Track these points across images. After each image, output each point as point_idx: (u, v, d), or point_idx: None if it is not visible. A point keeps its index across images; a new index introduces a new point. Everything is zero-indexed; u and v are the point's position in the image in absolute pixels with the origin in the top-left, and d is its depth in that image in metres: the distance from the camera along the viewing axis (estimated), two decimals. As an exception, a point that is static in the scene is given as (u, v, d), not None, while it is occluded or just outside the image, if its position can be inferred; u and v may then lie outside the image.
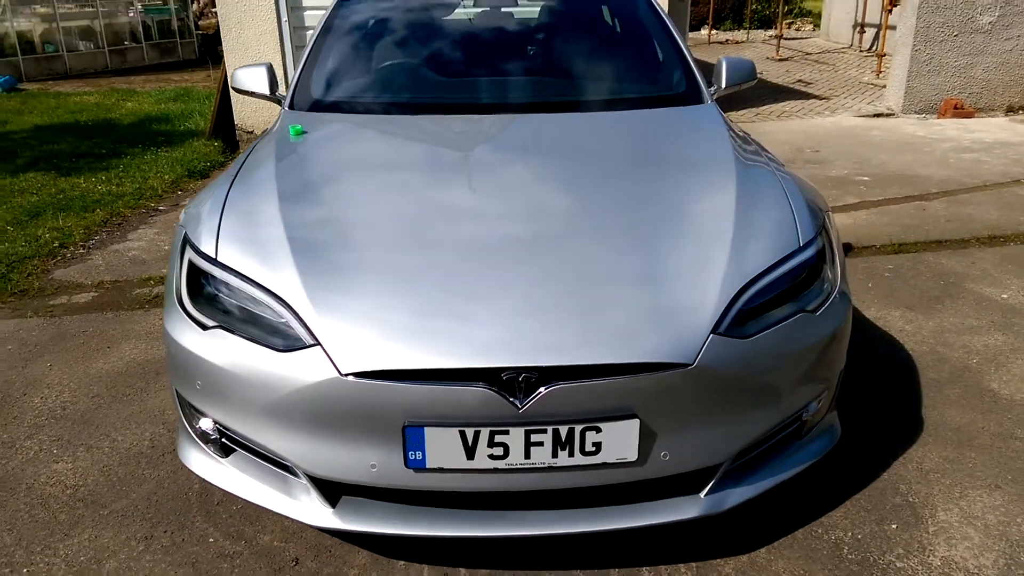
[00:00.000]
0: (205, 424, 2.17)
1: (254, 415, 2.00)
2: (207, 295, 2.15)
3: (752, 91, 10.21)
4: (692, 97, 3.26)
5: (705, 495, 2.09)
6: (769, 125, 8.23)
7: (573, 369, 1.86)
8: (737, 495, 2.12)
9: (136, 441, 2.75)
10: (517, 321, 1.93)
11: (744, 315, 2.03)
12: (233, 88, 3.46)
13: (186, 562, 2.21)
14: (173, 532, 2.32)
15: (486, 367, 1.85)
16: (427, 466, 1.91)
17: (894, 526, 2.36)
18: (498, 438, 1.88)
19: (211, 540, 2.29)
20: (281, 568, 2.19)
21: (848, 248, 4.53)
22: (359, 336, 1.91)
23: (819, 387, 2.23)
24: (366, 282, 2.05)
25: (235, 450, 2.18)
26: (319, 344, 1.92)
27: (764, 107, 9.30)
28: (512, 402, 1.85)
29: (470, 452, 1.89)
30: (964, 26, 8.84)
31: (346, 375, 1.87)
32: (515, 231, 2.23)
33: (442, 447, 1.89)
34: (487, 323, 1.92)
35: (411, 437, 1.88)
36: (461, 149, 2.87)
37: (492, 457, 1.90)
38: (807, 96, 9.94)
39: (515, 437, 1.88)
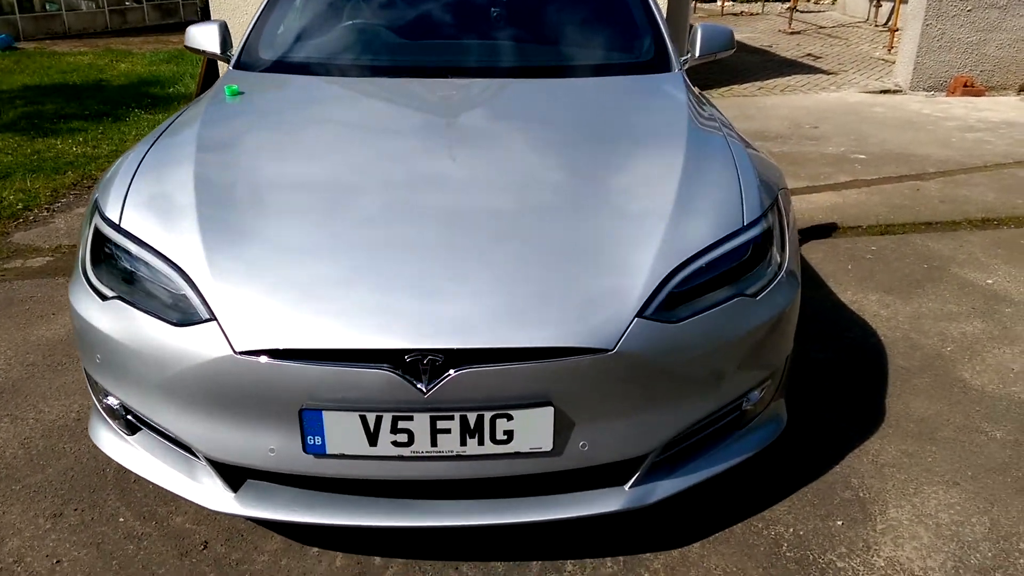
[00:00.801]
0: (112, 400, 2.06)
1: (151, 392, 1.89)
2: (109, 264, 2.03)
3: (758, 64, 9.98)
4: (659, 65, 3.09)
5: (630, 487, 1.97)
6: (771, 99, 8.01)
7: (482, 352, 1.74)
8: (665, 487, 2.00)
9: (62, 413, 2.65)
10: (424, 300, 1.80)
11: (675, 298, 1.90)
12: (185, 46, 3.32)
13: (92, 542, 2.12)
14: (83, 510, 2.23)
15: (387, 348, 1.73)
16: (327, 452, 1.79)
17: (840, 523, 2.24)
18: (401, 424, 1.76)
19: (121, 520, 2.20)
20: (188, 552, 2.09)
21: (833, 228, 4.37)
22: (256, 312, 1.79)
23: (760, 375, 2.10)
24: (273, 255, 1.92)
25: (140, 428, 2.07)
26: (215, 319, 1.80)
27: (769, 81, 9.06)
28: (416, 386, 1.73)
29: (372, 438, 1.77)
30: (979, 0, 8.54)
31: (240, 353, 1.75)
32: (438, 203, 2.09)
33: (342, 433, 1.77)
34: (391, 301, 1.80)
35: (309, 421, 1.76)
36: (400, 115, 2.73)
37: (396, 444, 1.78)
38: (814, 71, 9.68)
39: (420, 423, 1.76)
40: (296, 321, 1.77)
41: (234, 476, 1.95)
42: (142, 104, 6.94)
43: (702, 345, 1.90)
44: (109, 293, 1.96)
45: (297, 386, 1.74)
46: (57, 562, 2.05)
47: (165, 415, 1.90)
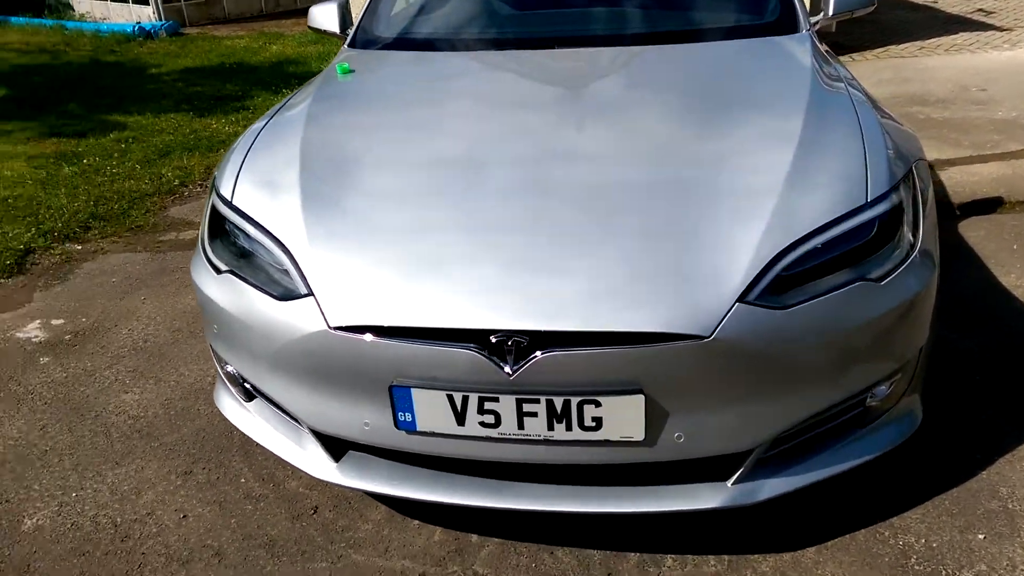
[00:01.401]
0: (230, 368, 2.17)
1: (259, 363, 1.97)
2: (223, 239, 2.13)
3: (920, 22, 9.10)
4: (786, 25, 2.86)
5: (733, 483, 1.86)
6: (933, 60, 7.27)
7: (568, 335, 1.68)
8: (773, 487, 1.87)
9: (199, 377, 2.84)
10: (513, 279, 1.76)
11: (785, 281, 1.75)
12: (308, 26, 3.43)
13: (215, 500, 2.25)
14: (210, 470, 2.38)
15: (473, 328, 1.70)
16: (417, 429, 1.80)
17: (981, 536, 2.01)
18: (488, 405, 1.73)
19: (242, 481, 2.32)
20: (300, 515, 2.18)
21: (998, 203, 3.91)
22: (351, 289, 1.82)
23: (888, 367, 1.90)
24: (371, 232, 1.94)
25: (256, 396, 2.17)
26: (312, 295, 1.84)
27: (931, 40, 8.22)
28: (501, 368, 1.69)
29: (460, 418, 1.76)
30: None
31: (334, 328, 1.79)
32: (539, 178, 2.03)
33: (431, 410, 1.77)
34: (481, 280, 1.77)
35: (399, 398, 1.78)
36: (517, 90, 2.68)
37: (483, 425, 1.76)
38: (985, 27, 8.70)
39: (506, 405, 1.73)
40: (387, 298, 1.78)
41: (337, 446, 2.01)
42: (289, 84, 7.28)
43: (814, 334, 1.74)
44: (223, 267, 2.06)
45: (387, 363, 1.76)
46: (184, 517, 2.20)
47: (272, 386, 1.97)
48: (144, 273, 3.72)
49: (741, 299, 1.70)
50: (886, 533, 2.04)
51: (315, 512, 2.20)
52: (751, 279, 1.72)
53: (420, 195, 2.04)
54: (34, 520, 2.20)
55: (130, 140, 5.72)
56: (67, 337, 3.17)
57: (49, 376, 2.90)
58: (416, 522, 2.14)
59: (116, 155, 5.37)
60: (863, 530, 2.05)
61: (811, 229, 1.79)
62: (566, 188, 1.99)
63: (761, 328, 1.69)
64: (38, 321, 3.30)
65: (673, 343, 1.66)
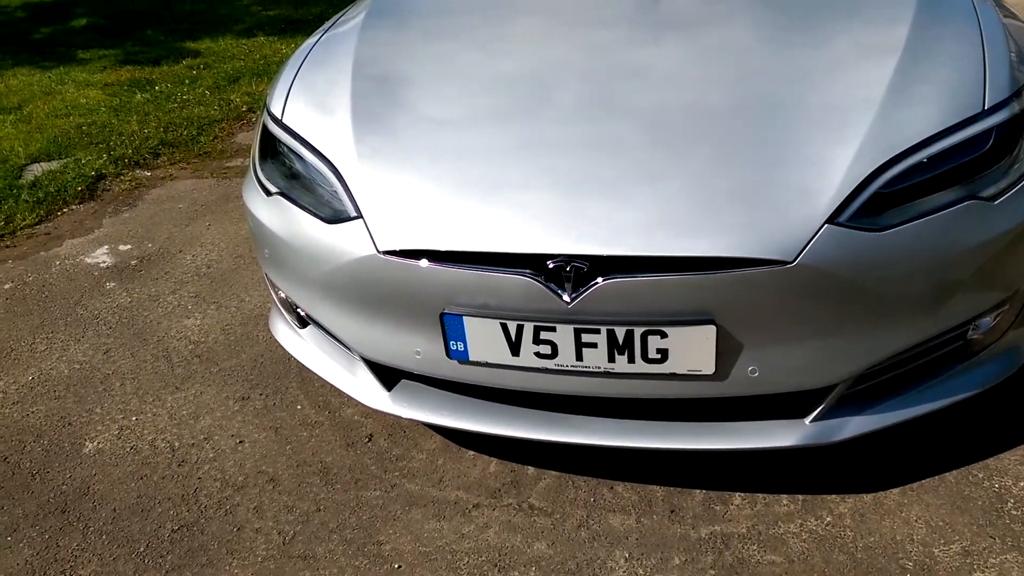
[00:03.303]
0: (284, 294, 2.11)
1: (309, 288, 1.90)
2: (274, 160, 2.04)
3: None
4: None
5: (812, 421, 1.71)
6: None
7: (633, 260, 1.54)
8: (857, 424, 1.71)
9: (260, 303, 2.81)
10: (573, 202, 1.62)
11: (883, 200, 1.56)
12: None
13: (271, 426, 2.23)
14: (267, 396, 2.35)
15: (529, 253, 1.58)
16: (470, 359, 1.71)
17: (1091, 482, 1.82)
18: (544, 335, 1.62)
19: (298, 407, 2.29)
20: (354, 443, 2.14)
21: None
22: (401, 212, 1.71)
23: (995, 297, 1.70)
24: (425, 153, 1.81)
25: (309, 323, 2.11)
26: (361, 217, 1.74)
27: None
28: (559, 295, 1.57)
29: (514, 348, 1.65)
30: None
31: (383, 253, 1.69)
32: (606, 97, 1.86)
33: (484, 340, 1.67)
34: (538, 203, 1.63)
35: (450, 326, 1.68)
36: (586, 2, 2.46)
37: (539, 355, 1.65)
38: None
39: (563, 335, 1.61)
40: (439, 222, 1.67)
41: (389, 375, 1.94)
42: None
43: (915, 260, 1.56)
44: (273, 189, 1.97)
45: (438, 290, 1.65)
46: (240, 442, 2.18)
47: (323, 312, 1.90)
48: (210, 199, 3.70)
49: (831, 220, 1.52)
50: (980, 475, 1.87)
51: (369, 440, 2.15)
52: (843, 197, 1.53)
53: (477, 115, 1.89)
54: (95, 443, 2.22)
55: (201, 67, 5.69)
56: (133, 262, 3.18)
57: (114, 301, 2.91)
58: (471, 453, 2.07)
59: (187, 81, 5.35)
60: (954, 471, 1.89)
61: (917, 141, 1.59)
62: (636, 109, 1.81)
63: (853, 253, 1.51)
64: (106, 247, 3.33)
65: (750, 269, 1.50)
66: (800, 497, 1.86)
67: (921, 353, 1.71)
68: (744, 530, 1.79)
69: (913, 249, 1.55)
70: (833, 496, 1.85)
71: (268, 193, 1.98)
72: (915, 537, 1.74)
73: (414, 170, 1.78)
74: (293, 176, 1.96)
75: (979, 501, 1.81)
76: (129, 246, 3.32)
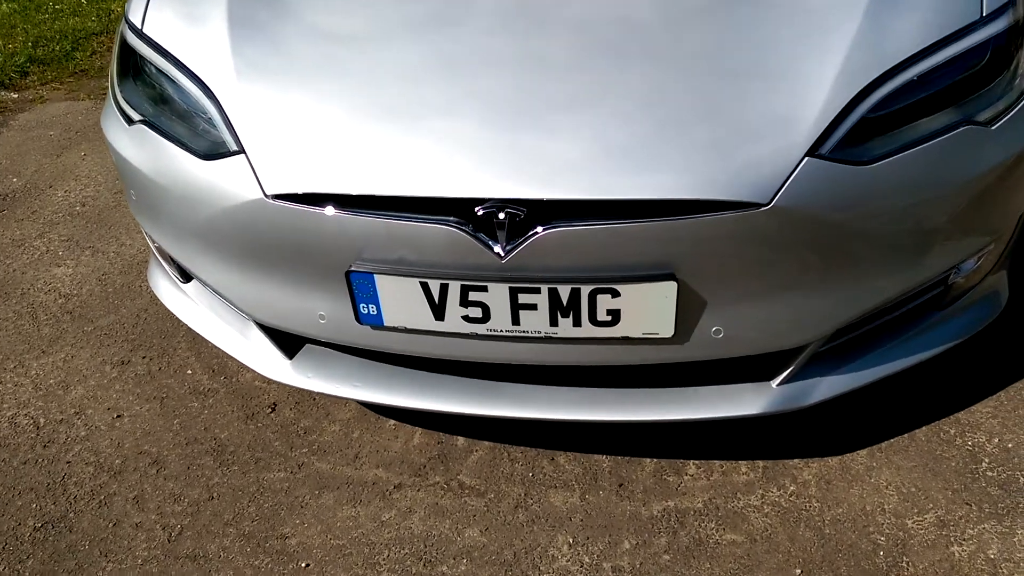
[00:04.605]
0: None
1: (185, 238, 1.56)
2: (138, 80, 1.66)
3: None
4: None
5: (779, 384, 1.50)
6: None
7: (578, 205, 1.26)
8: (829, 386, 1.51)
9: (144, 247, 2.44)
10: (504, 133, 1.32)
11: (869, 126, 1.31)
12: None
13: (156, 396, 1.91)
14: (151, 359, 2.02)
15: (451, 197, 1.28)
16: (385, 324, 1.42)
17: (1067, 435, 1.68)
18: (473, 296, 1.34)
19: (188, 372, 1.97)
20: (254, 415, 1.85)
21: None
22: (293, 145, 1.38)
23: (983, 239, 1.50)
24: (321, 71, 1.47)
25: (194, 276, 1.78)
26: (243, 152, 1.41)
27: None
28: (491, 248, 1.29)
29: (438, 311, 1.37)
30: None
31: (272, 197, 1.37)
32: (539, 3, 1.54)
33: (401, 302, 1.38)
34: (461, 135, 1.33)
35: (359, 286, 1.38)
36: None
37: (468, 320, 1.38)
38: None
39: (496, 296, 1.33)
40: (339, 159, 1.35)
41: (290, 340, 1.64)
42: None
43: (905, 196, 1.33)
44: (135, 116, 1.61)
45: (341, 242, 1.35)
46: (118, 416, 1.86)
47: (203, 267, 1.58)
48: (86, 125, 3.23)
49: (812, 152, 1.27)
50: (951, 431, 1.71)
51: (273, 411, 1.86)
52: (826, 124, 1.28)
53: (383, 27, 1.54)
54: (-62, 424, 1.87)
55: (75, -29, 5.03)
56: (-6, 200, 2.74)
57: (-30, 247, 2.49)
58: (391, 423, 1.80)
59: (59, -12, 4.72)
60: (924, 428, 1.73)
61: (909, 54, 1.33)
62: (579, 18, 1.50)
63: (836, 190, 1.27)
64: (-39, 182, 2.86)
65: (717, 213, 1.25)
66: (760, 463, 1.67)
67: (899, 303, 1.51)
68: (700, 505, 1.59)
69: (903, 184, 1.32)
70: (796, 461, 1.67)
71: (130, 121, 1.62)
72: (886, 507, 1.57)
73: (308, 92, 1.44)
74: (160, 100, 1.59)
75: (952, 462, 1.65)
76: (-11, 181, 2.87)
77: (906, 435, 1.71)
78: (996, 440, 1.69)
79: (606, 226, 1.26)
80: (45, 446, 1.79)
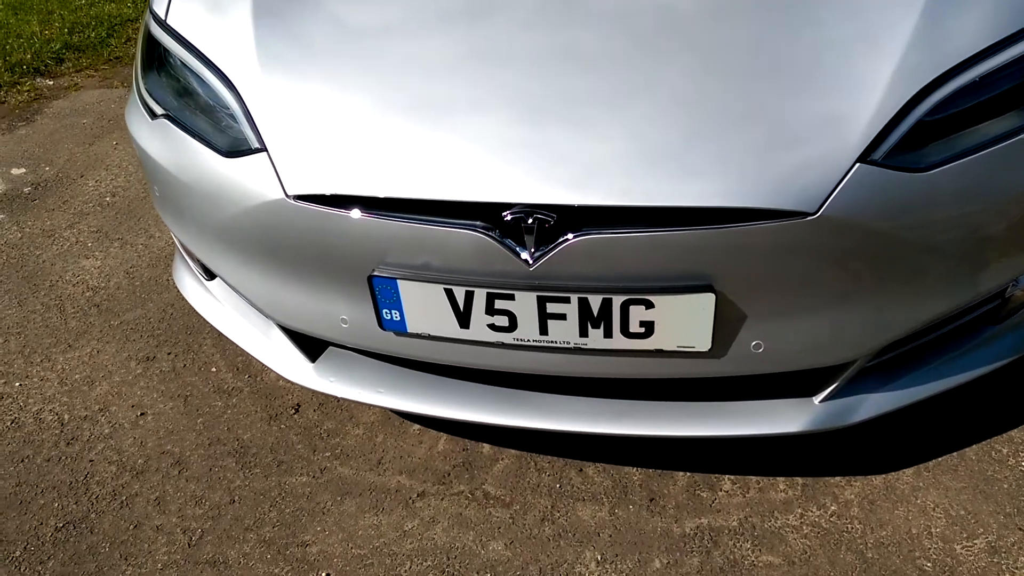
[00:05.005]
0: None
1: (207, 238, 1.53)
2: (162, 73, 1.62)
3: None
4: None
5: (821, 401, 1.42)
6: None
7: (611, 211, 1.20)
8: (876, 403, 1.43)
9: (171, 241, 2.42)
10: (535, 134, 1.25)
11: (926, 130, 1.22)
12: None
13: (180, 394, 1.89)
14: (176, 356, 2.00)
15: (478, 201, 1.22)
16: (408, 330, 1.37)
17: None
18: (499, 304, 1.28)
19: (213, 370, 1.95)
20: (277, 415, 1.81)
21: None
22: (316, 144, 1.33)
23: (1040, 252, 1.40)
24: (346, 69, 1.42)
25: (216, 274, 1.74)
26: (265, 150, 1.36)
27: None
28: (518, 254, 1.23)
29: (463, 319, 1.32)
30: None
31: (294, 198, 1.32)
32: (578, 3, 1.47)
33: (425, 309, 1.33)
34: (490, 135, 1.26)
35: (382, 291, 1.33)
36: None
37: (494, 328, 1.32)
38: None
39: (524, 305, 1.27)
40: (363, 159, 1.29)
41: (313, 342, 1.60)
42: None
43: (962, 206, 1.24)
44: (159, 110, 1.57)
45: (365, 246, 1.30)
46: (141, 414, 1.84)
47: (225, 267, 1.54)
48: (119, 113, 3.23)
49: (863, 158, 1.18)
50: (1004, 451, 1.62)
51: (296, 411, 1.82)
52: (879, 128, 1.19)
53: (411, 20, 1.48)
54: (-36, 418, 1.87)
55: (112, -43, 5.04)
56: (27, 190, 2.74)
57: (2, 237, 2.49)
58: (416, 427, 1.76)
59: (96, -26, 4.73)
60: (974, 446, 1.63)
61: (970, 54, 1.24)
62: (614, 6, 1.42)
63: (889, 199, 1.19)
64: (-5, 170, 2.87)
65: (761, 223, 1.17)
66: (799, 480, 1.59)
67: (953, 317, 1.42)
68: (735, 523, 1.52)
69: (961, 193, 1.23)
70: (837, 479, 1.59)
71: (153, 115, 1.58)
72: (933, 530, 1.49)
73: (333, 88, 1.39)
74: (184, 94, 1.55)
75: (1004, 484, 1.56)
76: (23, 170, 2.87)
77: (955, 454, 1.62)
78: (1052, 461, 1.59)
79: (641, 234, 1.19)
80: (69, 443, 1.78)
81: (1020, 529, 1.48)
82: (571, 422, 1.44)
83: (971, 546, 1.46)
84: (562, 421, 1.45)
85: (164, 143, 1.53)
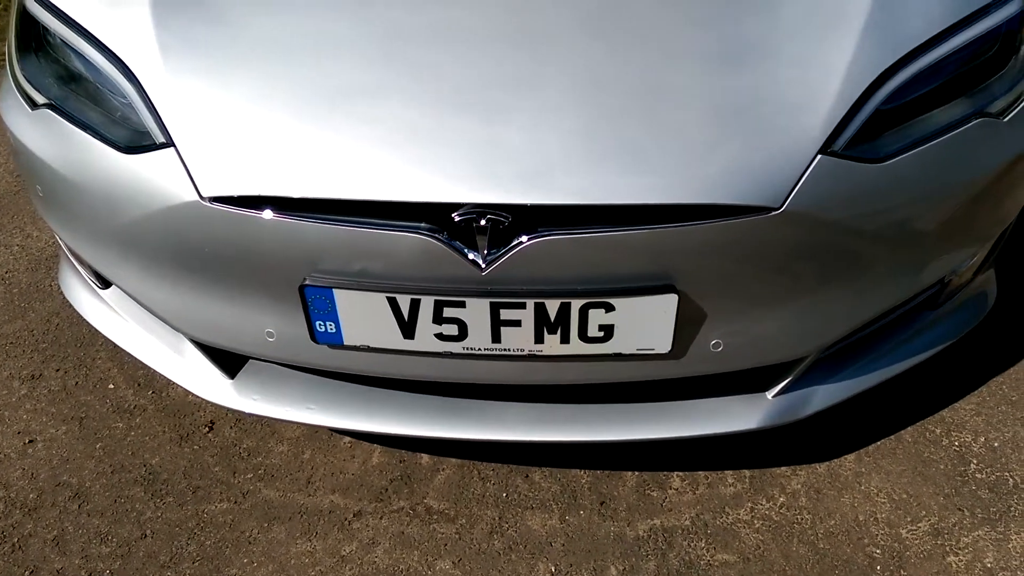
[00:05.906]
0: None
1: (103, 245, 1.35)
2: (42, 55, 1.42)
3: None
4: None
5: (775, 396, 1.39)
6: None
7: (569, 211, 1.11)
8: (826, 395, 1.42)
9: (53, 240, 2.17)
10: (485, 127, 1.15)
11: (881, 119, 1.20)
12: None
13: (73, 416, 1.69)
14: (67, 372, 1.79)
15: (425, 201, 1.11)
16: (345, 343, 1.25)
17: (1051, 431, 1.64)
18: (449, 312, 1.18)
19: (111, 387, 1.75)
20: (189, 435, 1.65)
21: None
22: (234, 139, 1.18)
23: (989, 235, 1.43)
24: (263, 49, 1.27)
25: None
26: (172, 145, 1.20)
27: None
28: (469, 259, 1.13)
29: (407, 329, 1.21)
30: None
31: (209, 199, 1.17)
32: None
33: (364, 319, 1.21)
34: (436, 129, 1.15)
35: (315, 302, 1.20)
36: None
37: (441, 337, 1.22)
38: None
39: (475, 312, 1.18)
40: (290, 153, 1.16)
41: (232, 356, 1.45)
42: None
43: (918, 195, 1.23)
44: (40, 99, 1.37)
45: (295, 252, 1.17)
46: (30, 441, 1.64)
47: (127, 278, 1.36)
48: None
49: (825, 149, 1.14)
50: (937, 431, 1.65)
51: (210, 430, 1.66)
52: (839, 118, 1.16)
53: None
54: None
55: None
56: None
57: None
58: (347, 440, 1.64)
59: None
60: (910, 428, 1.66)
61: (925, 38, 1.22)
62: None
63: (851, 191, 1.16)
64: None
65: (724, 219, 1.12)
66: (747, 473, 1.57)
67: (899, 305, 1.42)
68: (688, 522, 1.49)
69: (919, 182, 1.21)
70: (783, 469, 1.58)
71: (34, 105, 1.38)
72: (879, 516, 1.49)
73: (248, 72, 1.24)
74: (69, 80, 1.36)
75: (941, 464, 1.59)
76: None
77: (892, 437, 1.64)
78: (982, 439, 1.63)
79: (601, 234, 1.11)
80: (-57, 481, 1.56)
81: (959, 509, 1.50)
82: (521, 431, 1.36)
83: (916, 529, 1.47)
84: (512, 431, 1.36)
85: (48, 137, 1.34)
